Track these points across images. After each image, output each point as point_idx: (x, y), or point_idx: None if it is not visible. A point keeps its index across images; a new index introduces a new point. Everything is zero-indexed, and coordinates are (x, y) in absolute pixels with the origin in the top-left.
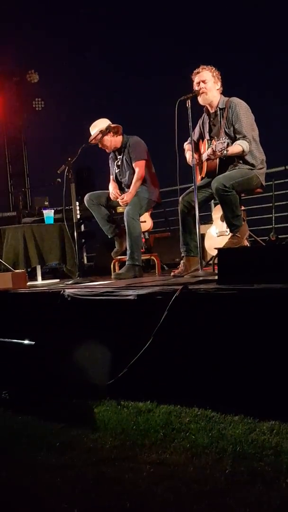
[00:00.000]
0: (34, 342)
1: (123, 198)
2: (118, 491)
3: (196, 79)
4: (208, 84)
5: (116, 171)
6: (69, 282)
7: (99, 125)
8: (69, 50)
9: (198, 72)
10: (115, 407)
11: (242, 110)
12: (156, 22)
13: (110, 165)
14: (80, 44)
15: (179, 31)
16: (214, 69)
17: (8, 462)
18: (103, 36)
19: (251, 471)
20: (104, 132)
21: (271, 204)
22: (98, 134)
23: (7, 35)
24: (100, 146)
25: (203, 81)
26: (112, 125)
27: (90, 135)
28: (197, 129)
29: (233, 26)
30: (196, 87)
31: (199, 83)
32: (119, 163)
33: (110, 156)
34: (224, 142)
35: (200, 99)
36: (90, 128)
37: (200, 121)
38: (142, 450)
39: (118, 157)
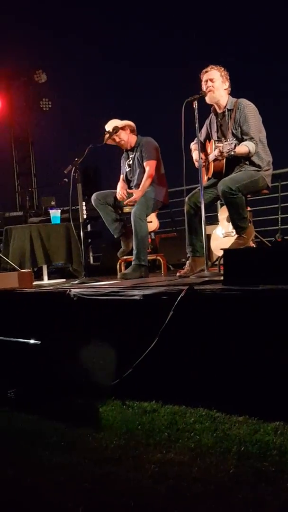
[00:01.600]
0: (40, 342)
1: (131, 195)
2: (122, 490)
3: (204, 77)
4: (215, 83)
5: (127, 169)
6: (75, 282)
7: (115, 123)
8: (77, 51)
9: (206, 71)
10: (120, 407)
11: (250, 112)
12: (164, 23)
13: (122, 164)
14: (88, 44)
15: (188, 33)
16: (223, 69)
17: (14, 461)
18: (112, 36)
19: (255, 471)
20: (122, 128)
21: (277, 205)
22: (122, 127)
23: (15, 35)
24: (117, 141)
25: (211, 80)
26: (129, 123)
27: (103, 134)
28: (204, 130)
29: (241, 26)
30: (204, 86)
31: (206, 81)
32: (130, 162)
33: (122, 156)
34: (231, 144)
35: (207, 98)
36: (106, 126)
37: (207, 122)
38: (146, 449)
39: (130, 156)
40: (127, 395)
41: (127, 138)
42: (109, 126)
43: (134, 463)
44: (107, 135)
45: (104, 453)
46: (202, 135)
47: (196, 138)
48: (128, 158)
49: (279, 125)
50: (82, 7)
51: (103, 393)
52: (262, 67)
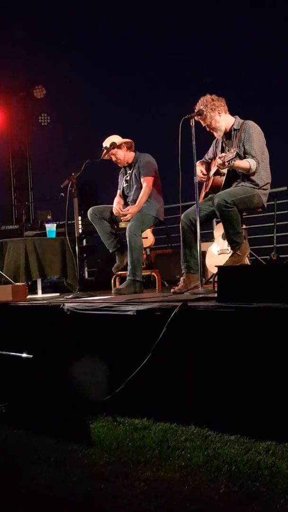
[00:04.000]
0: (32, 356)
1: (128, 210)
2: (112, 507)
3: (202, 123)
4: (212, 124)
5: (124, 185)
6: (69, 296)
7: (113, 139)
8: (77, 67)
9: (197, 119)
10: (111, 423)
11: (255, 133)
12: (166, 38)
13: (119, 179)
14: (88, 60)
15: (189, 48)
16: (209, 101)
17: (2, 475)
18: (112, 53)
19: (246, 491)
20: (119, 146)
21: (273, 224)
22: (115, 147)
23: (15, 50)
24: (114, 159)
25: (207, 126)
26: (127, 140)
27: (101, 150)
28: (211, 149)
29: (244, 43)
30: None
31: (205, 127)
32: (128, 177)
33: (120, 171)
34: (233, 153)
35: (216, 135)
36: (104, 143)
37: (214, 141)
38: (137, 467)
39: (128, 172)
40: (118, 411)
41: (123, 156)
42: (107, 142)
43: (123, 480)
44: (104, 152)
45: (94, 469)
46: (208, 154)
47: (203, 157)
48: (126, 174)
49: (276, 143)
50: (83, 24)
51: (94, 408)
52: (269, 83)
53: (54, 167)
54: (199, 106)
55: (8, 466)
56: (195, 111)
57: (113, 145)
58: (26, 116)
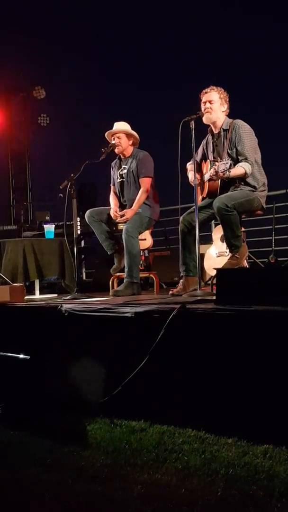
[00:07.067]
0: (29, 357)
1: (123, 215)
2: (108, 510)
3: (203, 98)
4: (214, 105)
5: (118, 180)
6: (67, 297)
7: (126, 126)
8: (76, 68)
9: (206, 92)
10: (108, 425)
11: (245, 133)
12: (164, 39)
13: (112, 173)
14: (88, 62)
15: (188, 50)
16: (222, 90)
17: None
18: (111, 55)
19: (243, 494)
20: (128, 135)
21: (271, 227)
22: (128, 135)
23: (15, 51)
24: (115, 141)
25: (210, 101)
26: (136, 136)
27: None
28: (200, 150)
29: (244, 44)
30: (202, 107)
31: (205, 102)
32: (122, 172)
33: (113, 164)
34: (226, 163)
35: (204, 118)
36: (116, 123)
37: (203, 142)
38: (133, 469)
39: (123, 165)
40: (115, 413)
41: (125, 145)
42: (118, 125)
43: (120, 483)
44: (114, 130)
45: (91, 471)
46: (198, 155)
47: (192, 159)
48: (121, 167)
49: (275, 146)
50: (83, 25)
51: (91, 410)
52: (265, 87)
53: (53, 167)
54: (212, 88)
55: (4, 467)
56: (204, 93)
57: (126, 134)
58: (26, 117)
